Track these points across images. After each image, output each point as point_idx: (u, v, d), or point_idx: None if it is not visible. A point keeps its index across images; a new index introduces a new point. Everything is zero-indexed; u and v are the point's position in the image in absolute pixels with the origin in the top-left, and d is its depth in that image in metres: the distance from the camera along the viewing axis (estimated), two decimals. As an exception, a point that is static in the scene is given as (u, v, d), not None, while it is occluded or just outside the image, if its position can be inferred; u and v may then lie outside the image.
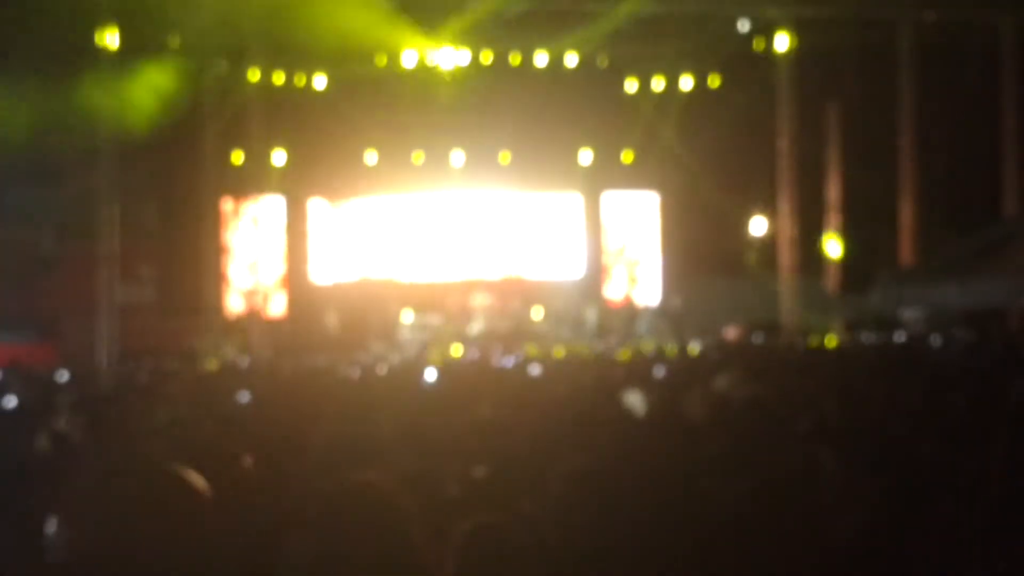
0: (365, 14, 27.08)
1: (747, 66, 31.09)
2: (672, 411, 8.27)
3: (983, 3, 29.66)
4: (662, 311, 32.68)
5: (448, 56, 30.43)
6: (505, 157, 33.01)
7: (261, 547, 3.51)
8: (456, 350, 26.96)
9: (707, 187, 31.70)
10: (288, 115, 30.85)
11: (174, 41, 28.24)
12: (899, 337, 24.60)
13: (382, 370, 17.61)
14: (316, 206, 33.27)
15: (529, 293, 32.55)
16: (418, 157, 32.79)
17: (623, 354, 20.47)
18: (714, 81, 32.69)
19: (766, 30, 30.11)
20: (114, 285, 27.63)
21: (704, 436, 6.38)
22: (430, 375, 14.20)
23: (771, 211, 31.66)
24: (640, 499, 4.14)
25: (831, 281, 32.19)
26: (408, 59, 30.06)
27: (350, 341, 29.25)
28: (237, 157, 31.66)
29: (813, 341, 23.87)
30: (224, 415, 8.14)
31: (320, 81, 31.40)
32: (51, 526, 2.23)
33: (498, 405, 8.32)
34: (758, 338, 27.30)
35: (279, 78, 31.20)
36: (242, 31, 28.01)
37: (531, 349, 24.67)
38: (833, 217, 31.98)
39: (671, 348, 22.88)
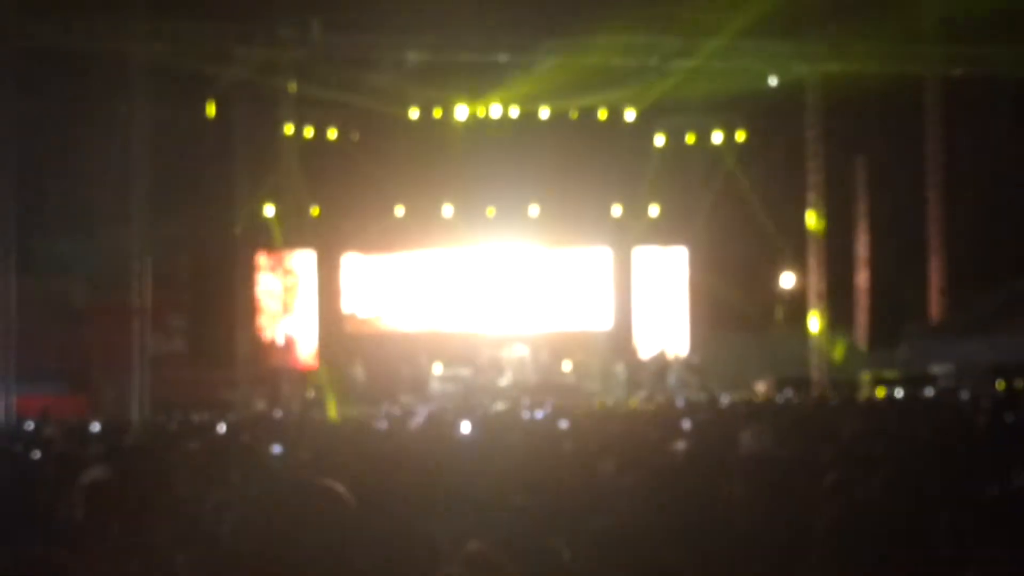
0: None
1: (775, 121, 31.20)
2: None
3: (1010, 59, 29.75)
4: (691, 365, 32.61)
5: (478, 110, 30.71)
6: (535, 211, 33.15)
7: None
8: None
9: (736, 242, 31.76)
10: (320, 169, 31.11)
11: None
12: (928, 392, 24.49)
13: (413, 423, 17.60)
14: (348, 259, 33.43)
15: (558, 346, 32.56)
16: (448, 211, 32.97)
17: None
18: (742, 136, 32.81)
19: (795, 85, 30.24)
20: (146, 336, 27.83)
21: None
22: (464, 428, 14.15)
23: (800, 266, 31.66)
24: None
25: (860, 336, 32.12)
26: (439, 114, 30.36)
27: (380, 393, 29.31)
28: (269, 210, 31.88)
29: (842, 395, 23.80)
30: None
31: (352, 135, 31.73)
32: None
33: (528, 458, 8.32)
34: (787, 392, 27.22)
35: (311, 132, 31.51)
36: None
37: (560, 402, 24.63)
38: (862, 272, 31.97)
39: (699, 401, 22.87)
